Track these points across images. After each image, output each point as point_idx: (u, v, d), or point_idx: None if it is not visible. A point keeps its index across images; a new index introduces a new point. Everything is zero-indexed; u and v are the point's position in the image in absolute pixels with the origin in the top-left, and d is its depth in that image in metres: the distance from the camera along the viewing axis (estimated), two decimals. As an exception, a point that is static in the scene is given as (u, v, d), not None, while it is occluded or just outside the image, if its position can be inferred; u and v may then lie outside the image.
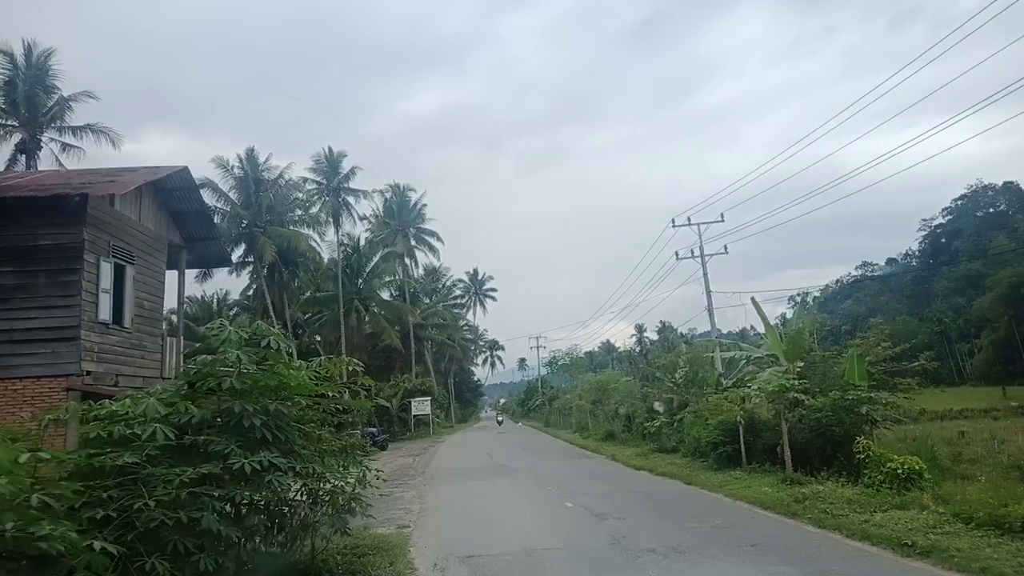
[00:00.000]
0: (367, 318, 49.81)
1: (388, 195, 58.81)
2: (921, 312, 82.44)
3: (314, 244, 44.77)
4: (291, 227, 43.16)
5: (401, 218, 58.76)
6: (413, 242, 59.31)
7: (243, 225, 41.92)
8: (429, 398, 45.88)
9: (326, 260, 49.96)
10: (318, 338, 53.35)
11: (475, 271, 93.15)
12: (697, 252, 26.93)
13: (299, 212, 45.66)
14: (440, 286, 67.94)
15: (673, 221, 28.42)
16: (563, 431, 41.43)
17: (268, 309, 44.03)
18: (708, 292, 27.73)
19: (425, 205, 60.06)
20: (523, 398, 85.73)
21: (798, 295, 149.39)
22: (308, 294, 51.14)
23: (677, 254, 28.54)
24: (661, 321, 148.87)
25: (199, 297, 62.52)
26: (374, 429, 38.13)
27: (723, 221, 27.75)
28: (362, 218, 51.62)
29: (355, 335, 49.57)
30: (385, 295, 53.85)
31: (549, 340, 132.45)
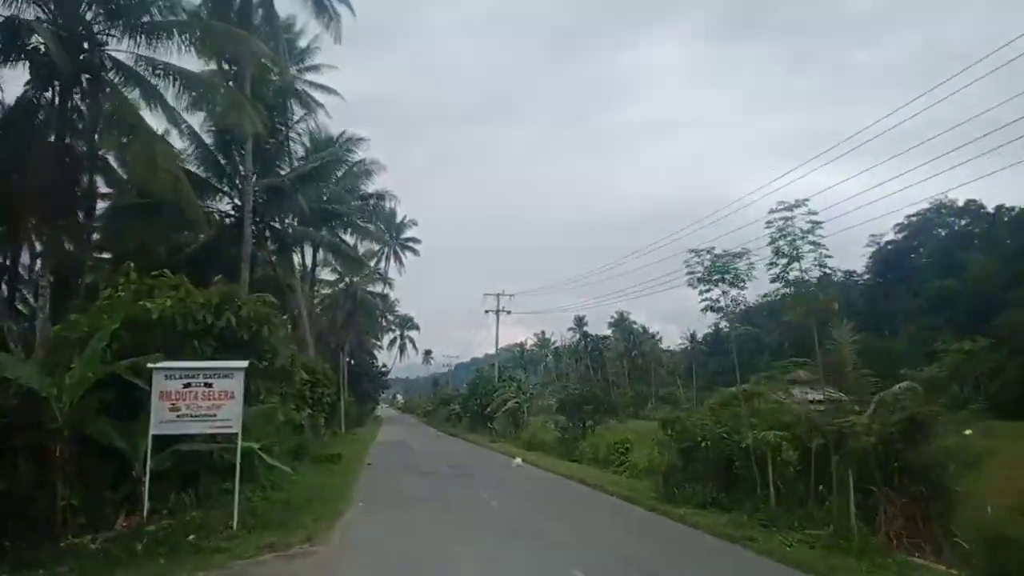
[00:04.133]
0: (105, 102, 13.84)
1: None
2: (882, 332, 74.06)
3: None
4: None
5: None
6: None
7: None
8: (240, 369, 10.27)
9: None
10: None
11: (392, 210, 56.42)
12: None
13: None
14: (338, 153, 30.74)
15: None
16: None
17: None
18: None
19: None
20: (467, 395, 50.83)
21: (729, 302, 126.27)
22: None
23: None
24: (618, 312, 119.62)
25: None
26: None
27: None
28: None
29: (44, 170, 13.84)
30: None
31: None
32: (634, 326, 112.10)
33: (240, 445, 10.14)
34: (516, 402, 38.01)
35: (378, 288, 59.00)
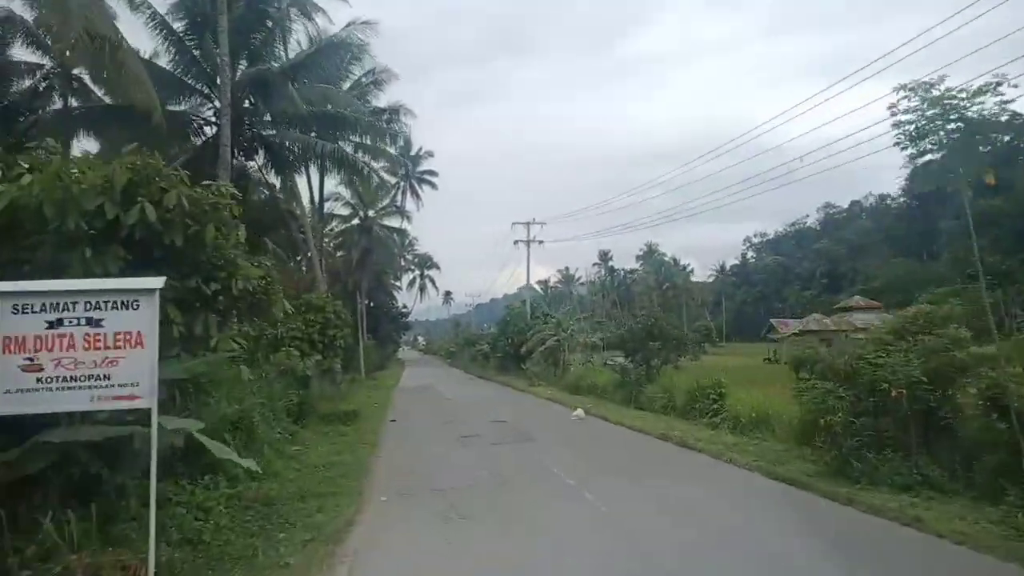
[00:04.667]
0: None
1: None
2: (921, 255, 74.33)
3: None
4: None
5: None
6: None
7: None
8: (151, 291, 5.63)
9: None
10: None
11: (406, 142, 48.84)
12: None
13: None
14: (346, 39, 24.78)
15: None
16: None
17: None
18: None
19: None
20: (497, 334, 46.57)
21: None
22: None
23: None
24: (647, 243, 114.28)
25: None
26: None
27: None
28: None
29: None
30: None
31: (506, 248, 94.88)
32: (664, 258, 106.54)
33: (156, 428, 5.57)
34: (557, 340, 33.62)
35: (395, 223, 54.19)
